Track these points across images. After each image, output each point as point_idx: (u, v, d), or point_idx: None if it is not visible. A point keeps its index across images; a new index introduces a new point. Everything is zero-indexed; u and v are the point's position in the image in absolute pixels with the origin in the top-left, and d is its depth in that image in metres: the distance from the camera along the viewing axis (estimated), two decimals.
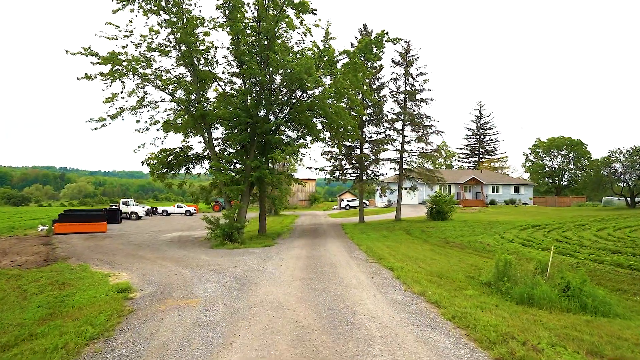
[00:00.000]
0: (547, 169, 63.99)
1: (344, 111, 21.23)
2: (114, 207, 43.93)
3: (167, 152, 22.32)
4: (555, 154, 63.12)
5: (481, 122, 65.38)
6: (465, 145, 67.19)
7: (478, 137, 65.55)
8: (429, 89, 30.15)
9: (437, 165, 33.93)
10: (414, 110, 30.42)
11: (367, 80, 23.77)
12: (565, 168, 62.74)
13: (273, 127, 21.14)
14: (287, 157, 19.54)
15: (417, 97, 30.47)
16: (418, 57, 30.24)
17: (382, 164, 31.28)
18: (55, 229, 26.82)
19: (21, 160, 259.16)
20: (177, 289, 8.74)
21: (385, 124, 30.72)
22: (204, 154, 23.17)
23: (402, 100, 30.77)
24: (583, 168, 61.42)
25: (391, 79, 30.82)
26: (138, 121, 20.25)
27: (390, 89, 31.02)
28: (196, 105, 20.20)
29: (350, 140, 29.49)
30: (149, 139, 24.93)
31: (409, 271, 10.53)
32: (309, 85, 19.77)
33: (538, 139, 64.44)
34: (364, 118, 30.12)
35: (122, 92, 19.11)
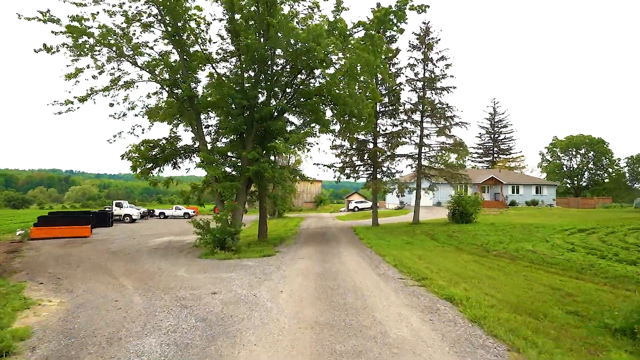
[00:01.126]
0: (564, 169, 59.51)
1: (357, 95, 17.33)
2: (107, 209, 40.47)
3: (151, 144, 18.49)
4: (574, 153, 58.69)
5: (495, 120, 61.03)
6: (479, 144, 62.58)
7: (492, 135, 61.10)
8: (452, 76, 26.15)
9: (457, 162, 29.68)
10: (435, 100, 26.43)
11: (384, 59, 19.91)
12: (585, 168, 58.21)
13: (274, 112, 17.28)
14: (291, 146, 15.64)
15: (438, 84, 26.49)
16: (439, 40, 26.34)
17: (398, 160, 27.29)
18: (32, 234, 23.37)
19: (28, 163, 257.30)
20: (92, 348, 4.84)
21: (402, 115, 26.75)
22: (195, 146, 19.35)
23: (420, 89, 26.82)
24: (604, 168, 57.00)
25: (408, 64, 26.88)
26: (112, 104, 16.49)
27: (407, 76, 27.11)
28: (182, 84, 16.32)
29: (363, 132, 25.58)
30: (127, 127, 20.76)
31: (481, 305, 6.55)
32: (317, 60, 15.95)
33: (555, 138, 59.98)
34: (378, 108, 26.18)
35: (89, 67, 15.35)
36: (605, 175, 57.50)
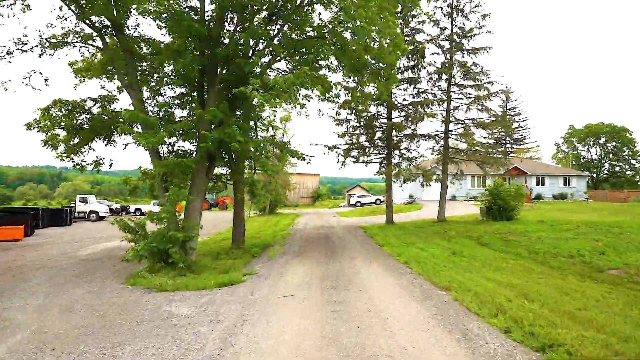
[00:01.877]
0: (582, 160, 53.07)
1: (378, 28, 10.64)
2: (72, 204, 33.77)
3: (69, 106, 11.72)
4: (592, 143, 52.26)
5: (508, 108, 54.58)
6: (489, 133, 55.86)
7: (505, 124, 54.55)
8: (489, 31, 19.51)
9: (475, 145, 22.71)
10: (467, 62, 19.76)
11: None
12: (605, 159, 51.81)
13: (249, 50, 10.59)
14: (275, 99, 9.02)
15: (470, 43, 19.83)
16: None
17: (417, 141, 20.62)
18: None
19: (21, 160, 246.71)
20: None
21: (424, 82, 20.11)
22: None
23: (447, 49, 20.15)
24: (625, 159, 50.65)
25: (431, 20, 20.21)
26: None
27: (429, 34, 20.43)
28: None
29: (375, 102, 18.96)
30: (19, 74, 11.73)
31: None
32: None
33: (572, 127, 53.53)
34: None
35: None
36: (627, 167, 51.22)
